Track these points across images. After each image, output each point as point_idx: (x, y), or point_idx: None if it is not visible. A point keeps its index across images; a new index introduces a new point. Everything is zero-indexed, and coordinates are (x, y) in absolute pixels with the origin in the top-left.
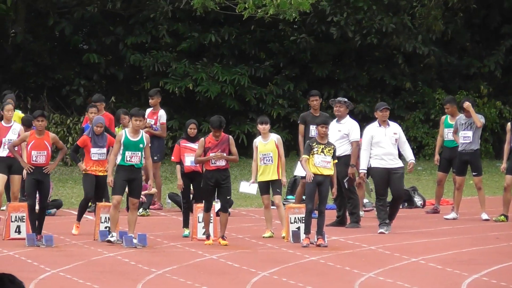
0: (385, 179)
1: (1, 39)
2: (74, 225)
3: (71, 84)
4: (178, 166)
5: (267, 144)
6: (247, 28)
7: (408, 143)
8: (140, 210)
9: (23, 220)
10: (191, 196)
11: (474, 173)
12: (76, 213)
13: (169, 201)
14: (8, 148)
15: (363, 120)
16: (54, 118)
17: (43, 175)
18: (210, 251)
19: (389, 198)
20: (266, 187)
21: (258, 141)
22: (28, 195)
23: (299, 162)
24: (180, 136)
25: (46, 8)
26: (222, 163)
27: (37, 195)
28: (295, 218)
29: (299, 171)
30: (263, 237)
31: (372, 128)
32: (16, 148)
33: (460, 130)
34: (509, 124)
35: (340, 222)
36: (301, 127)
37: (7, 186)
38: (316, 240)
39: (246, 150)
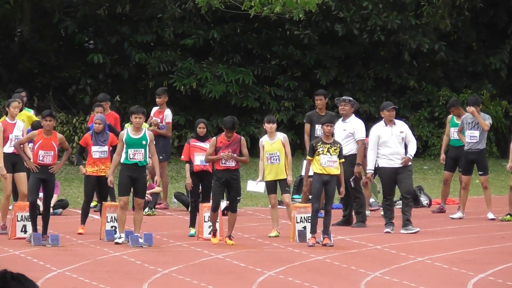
0: (392, 178)
1: (7, 39)
2: (79, 227)
3: (77, 83)
4: (187, 165)
5: (274, 143)
6: (251, 26)
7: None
8: (146, 209)
9: (29, 219)
10: (200, 195)
11: (480, 173)
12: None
13: (175, 200)
14: (14, 146)
15: (368, 120)
16: (60, 118)
17: (49, 174)
18: (216, 250)
19: (397, 197)
20: (273, 186)
21: (264, 140)
22: (30, 192)
23: (304, 161)
24: (186, 135)
25: (52, 7)
26: (232, 163)
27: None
28: (301, 217)
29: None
30: (269, 236)
31: (379, 128)
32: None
33: (466, 129)
34: None
35: (346, 221)
36: (307, 126)
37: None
38: (322, 239)
39: (251, 150)
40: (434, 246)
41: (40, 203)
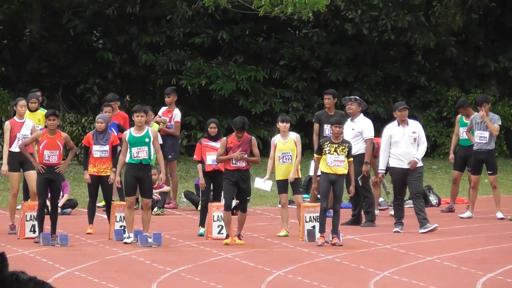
0: (402, 179)
1: (16, 39)
2: (88, 227)
3: (86, 83)
4: (199, 165)
5: (287, 142)
6: (260, 27)
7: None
8: (155, 209)
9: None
10: (211, 195)
11: (489, 172)
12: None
13: (184, 200)
14: (19, 147)
15: (377, 121)
16: (69, 117)
17: (55, 174)
18: (225, 250)
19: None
20: (284, 186)
21: (277, 140)
22: (39, 194)
23: (312, 161)
24: (195, 135)
25: (61, 7)
26: (242, 163)
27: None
28: (310, 217)
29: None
30: (278, 236)
31: (391, 127)
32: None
33: (475, 129)
34: None
35: (355, 221)
36: (316, 126)
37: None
38: (331, 239)
39: (261, 151)
40: (443, 246)
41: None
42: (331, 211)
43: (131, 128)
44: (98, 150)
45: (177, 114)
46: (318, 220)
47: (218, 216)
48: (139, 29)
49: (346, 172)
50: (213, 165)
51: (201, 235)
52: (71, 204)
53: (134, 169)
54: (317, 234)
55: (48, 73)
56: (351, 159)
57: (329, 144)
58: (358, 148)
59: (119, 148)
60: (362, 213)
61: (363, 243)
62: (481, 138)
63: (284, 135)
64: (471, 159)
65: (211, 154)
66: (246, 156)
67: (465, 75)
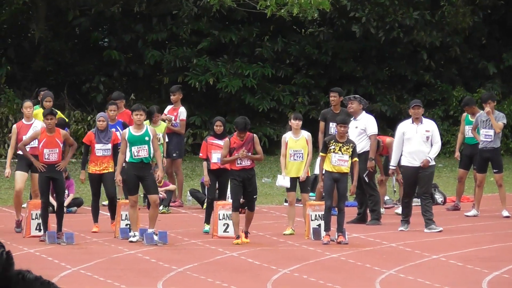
0: (413, 178)
1: (21, 37)
2: (93, 225)
3: (91, 81)
4: (204, 163)
5: (298, 140)
6: (267, 27)
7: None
8: (161, 207)
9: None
10: (217, 193)
11: (495, 170)
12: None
13: (190, 198)
14: (19, 147)
15: (382, 119)
16: (74, 116)
17: (56, 172)
18: (230, 248)
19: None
20: (293, 184)
21: (288, 137)
22: (41, 193)
23: (318, 159)
24: (201, 134)
25: (66, 5)
26: (247, 162)
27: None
28: (315, 215)
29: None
30: (284, 234)
31: (405, 124)
32: (28, 149)
33: (481, 127)
34: None
35: (361, 219)
36: (322, 124)
37: (27, 184)
38: (336, 237)
39: (267, 149)
40: (448, 244)
41: (52, 200)
42: (337, 209)
43: (130, 127)
44: (101, 149)
45: (182, 112)
46: (323, 218)
47: (223, 214)
48: (144, 27)
49: (349, 171)
50: (218, 163)
51: (206, 232)
52: (77, 202)
53: (135, 168)
54: (323, 233)
55: (53, 71)
56: (356, 159)
57: (334, 143)
58: (363, 145)
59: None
60: (368, 211)
61: (369, 241)
62: (486, 137)
63: (296, 132)
64: (477, 157)
65: (216, 152)
66: (250, 154)
67: (470, 74)
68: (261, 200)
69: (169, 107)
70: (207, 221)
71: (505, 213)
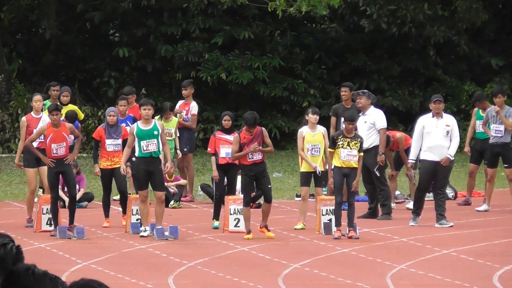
0: (431, 172)
1: (31, 32)
2: (104, 220)
3: (102, 76)
4: (213, 158)
5: (316, 135)
6: (279, 23)
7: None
8: (172, 202)
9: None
10: (225, 188)
11: (505, 165)
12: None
13: (201, 193)
14: (25, 144)
15: (393, 114)
16: (85, 110)
17: (65, 166)
18: (241, 243)
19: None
20: (308, 179)
21: (305, 131)
22: (51, 188)
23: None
24: (212, 128)
25: (77, 0)
26: (258, 156)
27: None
28: (326, 210)
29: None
30: (295, 229)
31: (425, 118)
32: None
33: (491, 122)
34: None
35: (372, 214)
36: (333, 120)
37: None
38: (347, 232)
39: (278, 142)
40: (459, 239)
41: (63, 195)
42: (347, 204)
43: (138, 122)
44: (112, 144)
45: (194, 106)
46: (334, 213)
47: (234, 209)
48: (155, 22)
49: (357, 165)
50: (227, 157)
51: (216, 228)
52: (88, 197)
53: (145, 162)
54: (334, 228)
55: (64, 66)
56: (362, 153)
57: (342, 138)
58: (373, 140)
59: None
60: (379, 206)
61: (380, 236)
62: (496, 132)
63: (313, 127)
64: (487, 152)
65: (224, 146)
66: (261, 148)
67: (479, 69)
68: (272, 195)
69: (180, 102)
70: (216, 217)
71: None
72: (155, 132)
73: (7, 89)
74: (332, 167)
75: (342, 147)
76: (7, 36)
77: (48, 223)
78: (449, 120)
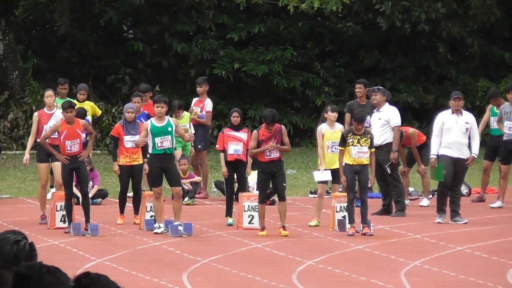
0: (450, 168)
1: (45, 29)
2: (119, 217)
3: (116, 73)
4: (221, 154)
5: (335, 132)
6: (293, 19)
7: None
8: (186, 199)
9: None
10: (236, 185)
11: None
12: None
13: (215, 189)
14: (39, 142)
15: (408, 111)
16: (99, 107)
17: (79, 162)
18: (255, 240)
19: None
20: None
21: (324, 129)
22: (65, 185)
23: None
24: (225, 124)
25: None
26: (276, 154)
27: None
28: (340, 206)
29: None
30: (309, 225)
31: (445, 115)
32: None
33: (505, 119)
34: None
35: (385, 210)
36: (347, 116)
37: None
38: (361, 228)
39: (291, 139)
40: (473, 235)
41: (76, 192)
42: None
43: (152, 119)
44: (130, 141)
45: (208, 104)
46: (347, 211)
47: (248, 206)
48: (170, 19)
49: (369, 162)
50: (235, 154)
51: (230, 224)
52: (101, 194)
53: (159, 159)
54: (347, 224)
55: (78, 63)
56: (373, 149)
57: (352, 136)
58: (386, 137)
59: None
60: (393, 203)
61: (394, 233)
62: (510, 129)
63: (332, 124)
64: (501, 149)
65: (233, 143)
66: (279, 146)
67: (493, 66)
68: (286, 192)
69: (195, 99)
70: (229, 214)
71: None
72: (169, 129)
73: (21, 86)
74: (343, 165)
75: (352, 144)
76: (21, 33)
77: (62, 220)
78: (469, 118)
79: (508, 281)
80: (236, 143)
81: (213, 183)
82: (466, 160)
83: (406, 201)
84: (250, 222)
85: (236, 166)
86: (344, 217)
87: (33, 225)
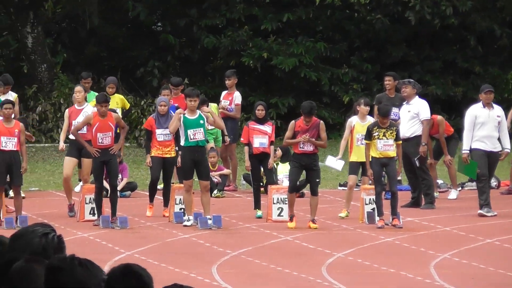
0: (484, 161)
1: (74, 23)
2: (148, 207)
3: (145, 65)
4: (246, 148)
5: (366, 125)
6: (322, 10)
7: None
8: (215, 191)
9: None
10: (263, 178)
11: None
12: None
13: (244, 182)
14: (71, 133)
15: (436, 103)
16: (128, 100)
17: (110, 155)
18: (285, 232)
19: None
20: (357, 168)
21: (355, 121)
22: (96, 178)
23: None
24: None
25: None
26: (309, 147)
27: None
28: (369, 199)
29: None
30: (339, 216)
31: (476, 108)
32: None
33: None
34: None
35: (415, 203)
36: (376, 109)
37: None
38: (391, 220)
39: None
40: (503, 228)
41: (106, 185)
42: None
43: (185, 111)
44: (162, 134)
45: (237, 96)
46: (375, 203)
47: (277, 198)
48: (198, 12)
49: (395, 154)
50: (261, 147)
51: (259, 217)
52: (131, 187)
53: (191, 151)
54: (377, 217)
55: (107, 56)
56: (400, 142)
57: (378, 129)
58: (415, 129)
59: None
60: (422, 195)
61: (423, 225)
62: None
63: (363, 117)
64: None
65: (258, 137)
66: (313, 140)
67: None
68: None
69: (224, 92)
70: (257, 206)
71: None
72: (201, 122)
73: (50, 79)
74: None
75: (378, 138)
76: (51, 26)
77: (91, 212)
78: (499, 111)
79: None
80: (261, 136)
81: (242, 176)
82: (499, 154)
83: (436, 194)
84: (279, 215)
85: (262, 159)
86: (373, 209)
87: (62, 218)
